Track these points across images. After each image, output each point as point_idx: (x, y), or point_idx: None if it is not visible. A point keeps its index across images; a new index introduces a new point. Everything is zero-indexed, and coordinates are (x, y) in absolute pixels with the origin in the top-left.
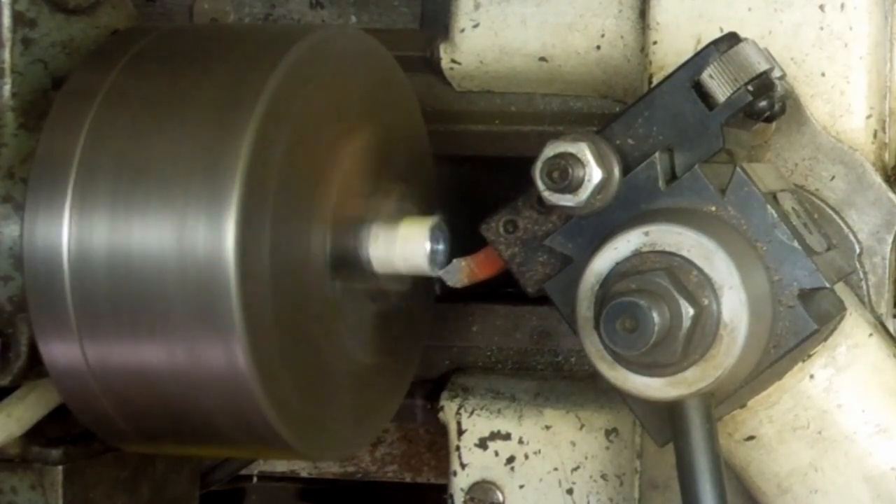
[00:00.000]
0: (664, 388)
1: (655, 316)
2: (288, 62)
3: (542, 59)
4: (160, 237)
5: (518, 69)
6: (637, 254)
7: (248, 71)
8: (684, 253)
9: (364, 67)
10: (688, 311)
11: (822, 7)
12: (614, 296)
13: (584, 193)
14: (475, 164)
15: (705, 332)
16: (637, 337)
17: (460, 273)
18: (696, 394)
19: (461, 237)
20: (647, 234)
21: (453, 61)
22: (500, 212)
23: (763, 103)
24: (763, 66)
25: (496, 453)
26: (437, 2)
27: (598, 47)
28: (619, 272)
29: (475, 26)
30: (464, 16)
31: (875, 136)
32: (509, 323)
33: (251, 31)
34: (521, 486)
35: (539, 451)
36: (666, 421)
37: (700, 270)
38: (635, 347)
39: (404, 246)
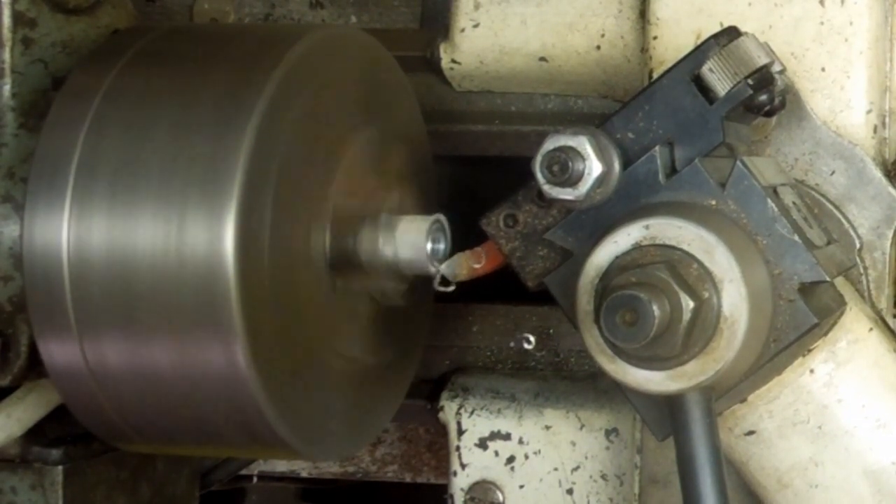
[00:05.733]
0: (664, 381)
1: (655, 309)
2: (288, 62)
3: (542, 59)
4: (160, 237)
5: (518, 69)
6: (637, 247)
7: (248, 71)
8: (684, 246)
9: (364, 67)
10: (688, 304)
11: (822, 2)
12: (614, 289)
13: (585, 187)
14: (475, 164)
15: (705, 325)
16: (637, 330)
17: (461, 268)
18: (697, 387)
19: (461, 237)
20: (647, 227)
21: (453, 61)
22: (500, 206)
23: (763, 97)
24: (763, 60)
25: (496, 453)
26: (437, 2)
27: (598, 47)
28: (619, 265)
29: (475, 26)
30: (464, 16)
31: (875, 131)
32: (509, 323)
33: (251, 31)
34: (521, 486)
35: (539, 451)
36: (666, 415)
37: (700, 264)
38: (635, 340)
39: (404, 245)
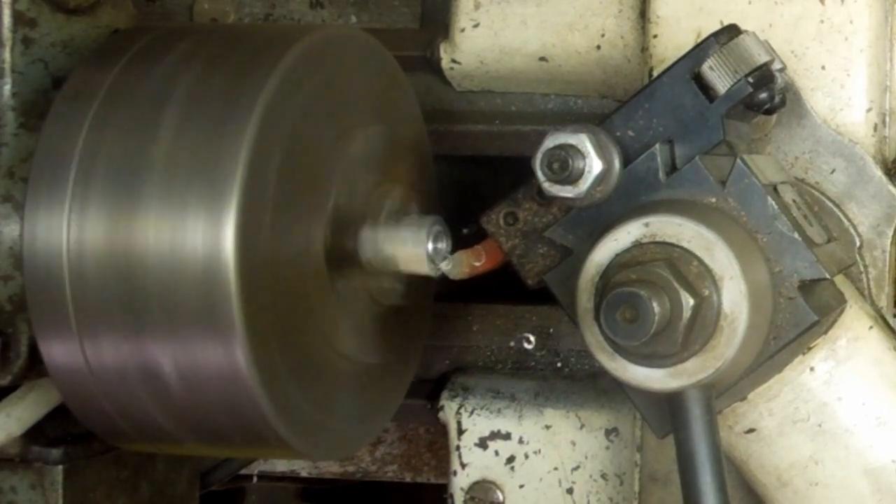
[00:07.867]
0: (665, 379)
1: (655, 306)
2: (288, 62)
3: (542, 59)
4: (160, 237)
5: (518, 69)
6: (637, 245)
7: (247, 71)
8: (684, 244)
9: (364, 67)
10: (688, 301)
11: (822, 0)
12: (614, 286)
13: (585, 185)
14: (475, 164)
15: (705, 322)
16: (637, 327)
17: (461, 266)
18: (697, 385)
19: (461, 237)
20: (647, 225)
21: (453, 61)
22: (500, 204)
23: (763, 95)
24: (763, 58)
25: (496, 453)
26: (437, 2)
27: (598, 47)
28: (619, 263)
29: (475, 26)
30: (464, 16)
31: (875, 129)
32: (509, 323)
33: (251, 31)
34: (521, 486)
35: (539, 451)
36: (666, 413)
37: (700, 261)
38: (635, 338)
39: (404, 246)
